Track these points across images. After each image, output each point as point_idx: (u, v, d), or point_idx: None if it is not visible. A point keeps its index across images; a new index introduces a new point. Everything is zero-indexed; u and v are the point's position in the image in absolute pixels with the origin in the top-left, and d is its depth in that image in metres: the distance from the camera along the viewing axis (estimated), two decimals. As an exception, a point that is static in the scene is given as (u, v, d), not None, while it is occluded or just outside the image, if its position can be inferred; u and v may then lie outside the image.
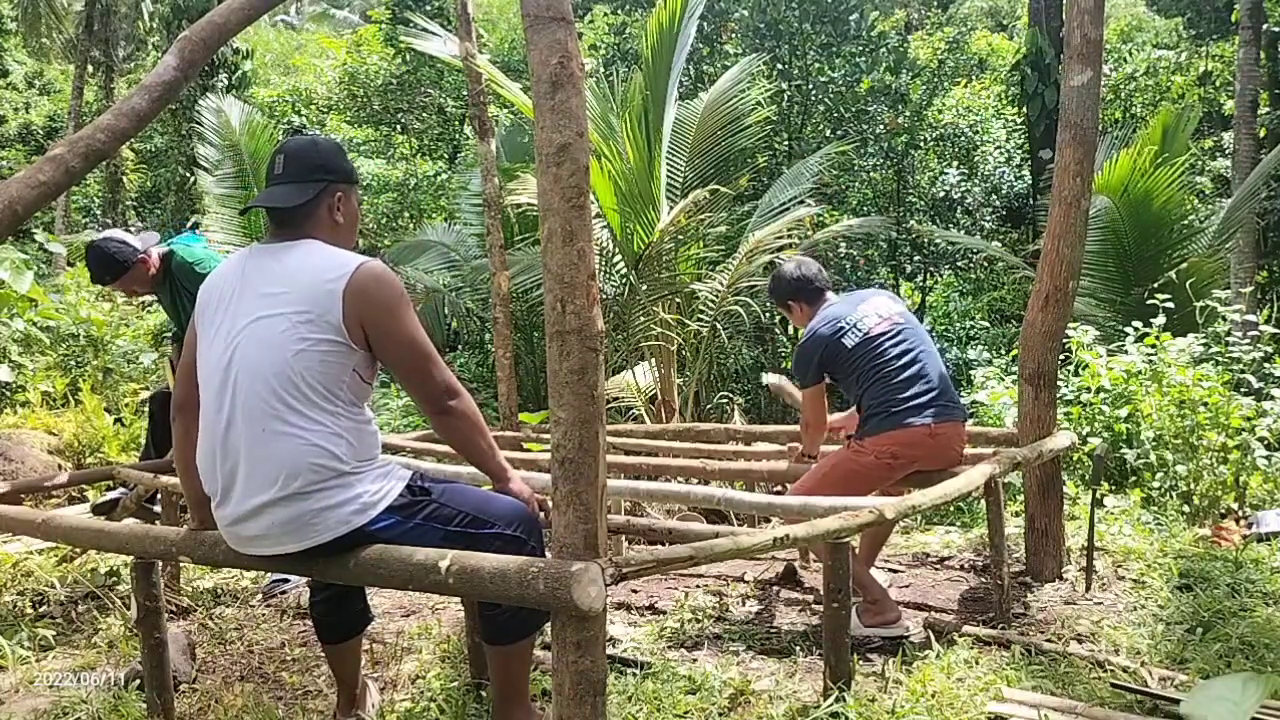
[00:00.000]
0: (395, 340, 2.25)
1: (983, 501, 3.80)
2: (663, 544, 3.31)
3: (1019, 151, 13.44)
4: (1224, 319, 5.90)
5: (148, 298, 5.50)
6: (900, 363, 3.45)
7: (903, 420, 3.38)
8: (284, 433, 2.18)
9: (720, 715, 2.69)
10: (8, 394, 7.00)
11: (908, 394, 3.40)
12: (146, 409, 4.83)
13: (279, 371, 2.19)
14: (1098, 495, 4.01)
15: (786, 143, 11.34)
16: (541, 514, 2.41)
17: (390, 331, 2.24)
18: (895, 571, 4.19)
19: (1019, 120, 13.42)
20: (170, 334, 4.37)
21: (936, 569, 4.21)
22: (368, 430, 2.31)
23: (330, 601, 2.63)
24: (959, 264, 13.08)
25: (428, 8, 13.22)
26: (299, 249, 2.30)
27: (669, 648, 3.27)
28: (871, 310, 3.56)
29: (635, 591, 3.97)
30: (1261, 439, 4.99)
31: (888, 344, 3.48)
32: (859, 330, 3.51)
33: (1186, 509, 4.84)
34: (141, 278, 3.97)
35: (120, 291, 4.02)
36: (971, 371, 8.08)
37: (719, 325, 7.20)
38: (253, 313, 2.24)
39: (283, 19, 28.58)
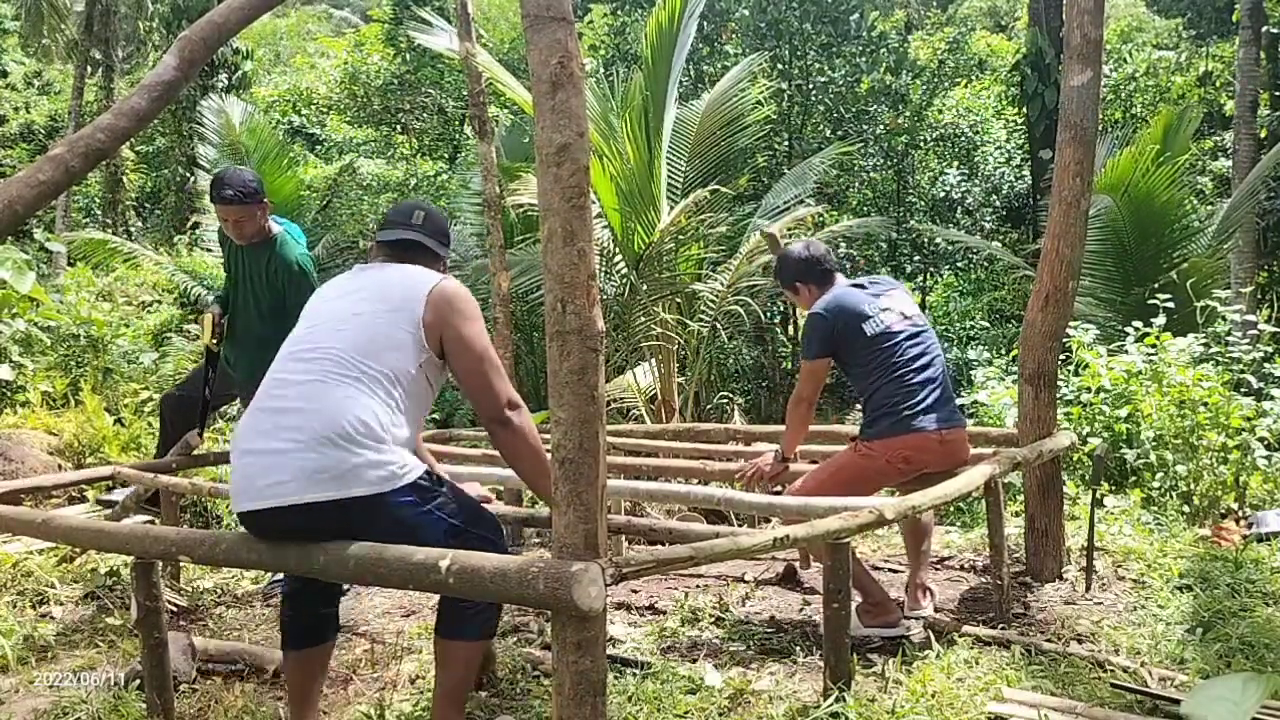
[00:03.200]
0: (466, 344, 2.46)
1: (983, 501, 3.80)
2: (663, 544, 3.31)
3: (1019, 151, 13.45)
4: (1224, 319, 5.90)
5: (145, 296, 5.50)
6: (916, 365, 3.37)
7: (914, 425, 3.30)
8: (346, 386, 2.35)
9: (720, 715, 2.69)
10: (8, 394, 7.00)
11: (919, 398, 3.32)
12: (158, 410, 4.84)
13: (360, 345, 2.41)
14: (1098, 495, 4.01)
15: (786, 143, 11.35)
16: None
17: (462, 336, 2.45)
18: (895, 571, 4.19)
19: (1019, 120, 13.43)
20: (218, 294, 4.42)
21: (936, 569, 4.21)
22: (407, 432, 2.43)
23: (301, 600, 2.58)
24: (959, 264, 13.08)
25: (428, 7, 13.22)
26: (401, 268, 2.59)
27: (669, 648, 3.27)
28: (895, 305, 3.46)
29: (635, 591, 3.97)
30: (1261, 439, 4.99)
31: (906, 344, 3.39)
32: (880, 322, 3.40)
33: (1186, 509, 4.84)
34: (258, 218, 4.01)
35: (230, 220, 3.96)
36: (971, 371, 8.07)
37: (719, 325, 7.21)
38: (355, 306, 2.49)
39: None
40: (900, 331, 3.41)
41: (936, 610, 3.51)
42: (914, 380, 3.35)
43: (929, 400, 3.34)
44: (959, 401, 4.06)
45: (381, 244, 2.66)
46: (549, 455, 2.07)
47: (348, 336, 2.42)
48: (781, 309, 11.38)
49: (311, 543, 2.35)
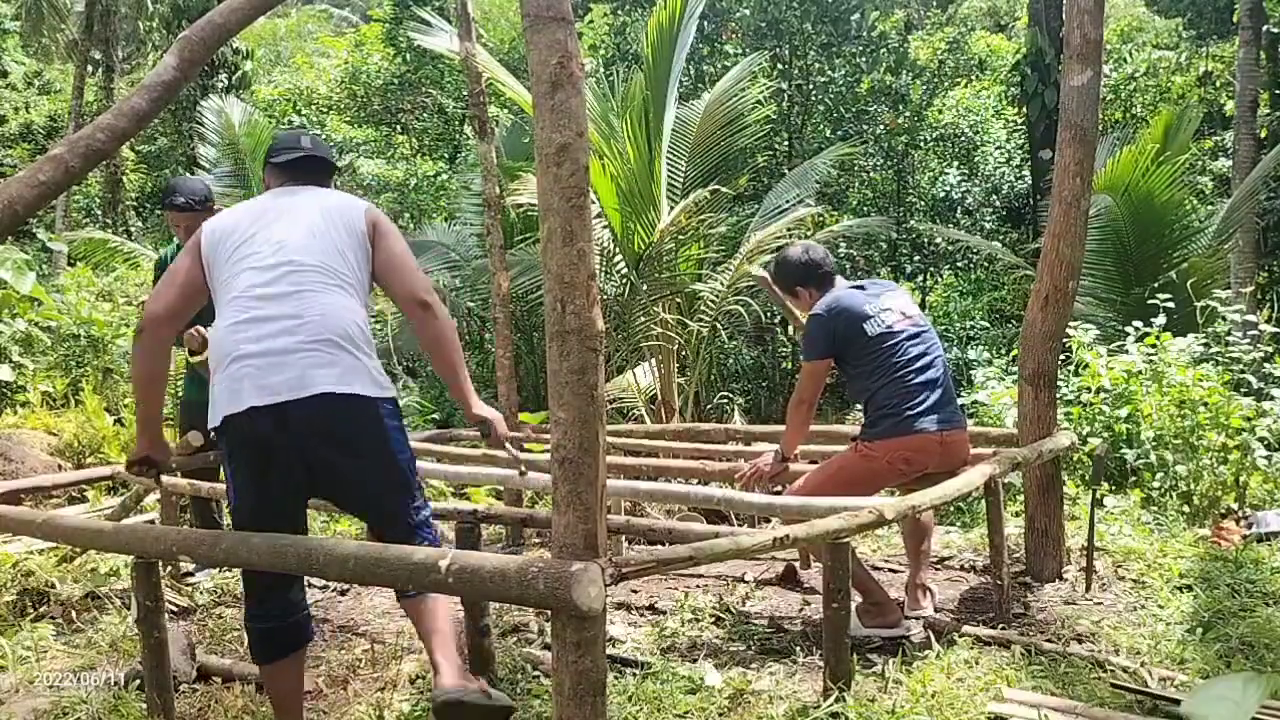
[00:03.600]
0: (397, 237, 2.67)
1: (983, 501, 3.80)
2: (663, 544, 3.31)
3: (1019, 151, 13.44)
4: (1224, 319, 5.89)
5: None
6: (917, 365, 3.36)
7: (915, 426, 3.30)
8: (336, 293, 2.51)
9: (720, 715, 2.69)
10: (8, 394, 7.00)
11: (920, 399, 3.32)
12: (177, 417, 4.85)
13: (333, 257, 2.55)
14: (1098, 495, 4.01)
15: (786, 143, 11.35)
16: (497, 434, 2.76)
17: (393, 232, 2.67)
18: (895, 572, 4.19)
19: (1019, 120, 13.41)
20: None
21: (936, 569, 4.21)
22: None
23: (269, 609, 2.53)
24: (959, 264, 13.08)
25: (428, 7, 13.22)
26: (320, 190, 2.74)
27: (669, 648, 3.27)
28: (895, 305, 3.45)
29: (635, 591, 3.97)
30: (1261, 439, 4.98)
31: (908, 344, 3.38)
32: (881, 322, 3.39)
33: (1186, 509, 4.84)
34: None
35: (181, 227, 4.05)
36: (971, 371, 8.07)
37: (719, 325, 7.21)
38: (307, 224, 2.59)
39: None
40: (901, 331, 3.40)
41: (936, 610, 3.51)
42: (915, 381, 3.34)
43: (930, 401, 3.33)
44: (959, 401, 4.05)
45: (285, 167, 2.75)
46: (549, 455, 2.07)
47: (318, 250, 2.54)
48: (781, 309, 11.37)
49: (304, 447, 2.43)
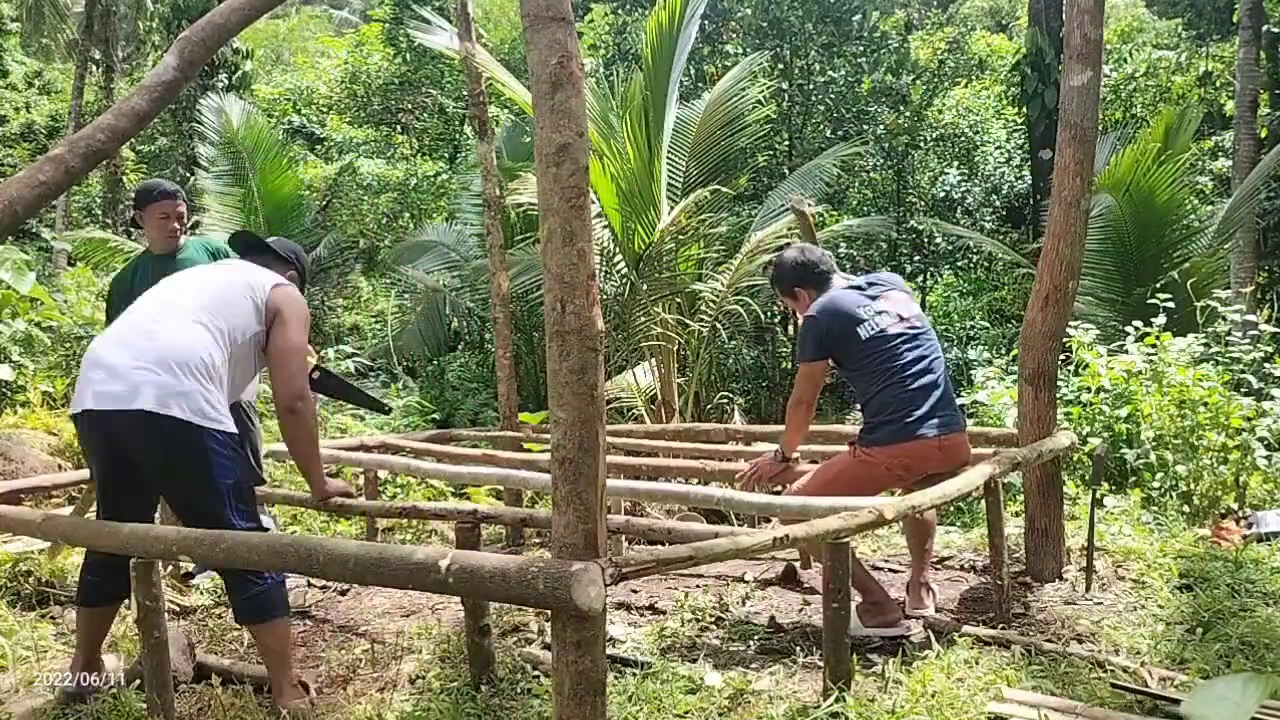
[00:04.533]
0: (290, 331, 2.93)
1: (983, 501, 3.79)
2: (663, 544, 3.31)
3: (1019, 151, 13.44)
4: (1224, 319, 5.89)
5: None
6: (913, 369, 3.35)
7: (915, 432, 3.29)
8: (193, 327, 2.79)
9: (720, 715, 2.69)
10: (8, 394, 7.00)
11: (918, 404, 3.31)
12: None
13: (209, 302, 2.88)
14: (1098, 495, 4.01)
15: (787, 142, 11.35)
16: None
17: (289, 322, 2.94)
18: (896, 572, 4.19)
19: (1019, 120, 13.42)
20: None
21: (936, 569, 4.21)
22: (228, 383, 2.87)
23: (107, 567, 2.91)
24: (959, 264, 13.08)
25: (428, 7, 13.22)
26: (258, 269, 3.09)
27: (669, 648, 3.27)
28: (892, 308, 3.43)
29: (635, 591, 3.96)
30: (1261, 439, 4.98)
31: (904, 347, 3.37)
32: (876, 325, 3.38)
33: (1186, 509, 4.84)
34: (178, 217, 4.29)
35: (172, 216, 4.18)
36: (971, 371, 8.07)
37: (719, 325, 7.21)
38: (213, 277, 3.03)
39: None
40: (897, 335, 3.39)
41: (937, 610, 3.51)
42: (913, 385, 3.33)
43: (928, 407, 3.32)
44: (959, 402, 4.05)
45: (242, 251, 3.29)
46: (549, 455, 2.07)
47: (205, 295, 2.90)
48: (782, 308, 11.38)
49: (124, 455, 2.77)
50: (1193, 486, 4.94)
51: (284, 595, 2.85)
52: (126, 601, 2.94)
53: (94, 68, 16.85)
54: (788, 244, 6.94)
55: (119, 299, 4.31)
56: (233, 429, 2.81)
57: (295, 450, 3.04)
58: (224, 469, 2.76)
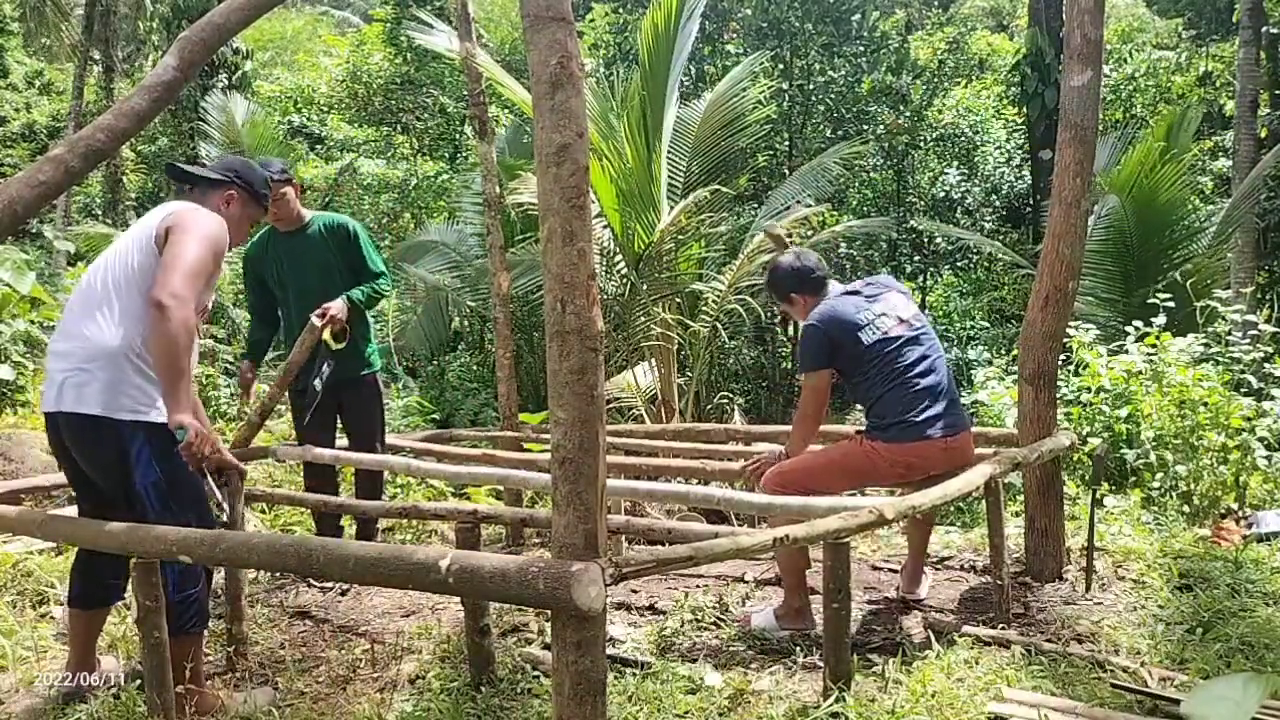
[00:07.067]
0: (182, 242, 2.71)
1: (983, 501, 3.80)
2: (663, 544, 3.31)
3: (1019, 151, 13.44)
4: (1224, 319, 5.90)
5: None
6: (916, 370, 3.35)
7: (922, 434, 3.30)
8: (99, 313, 2.77)
9: (720, 715, 2.69)
10: (8, 394, 7.00)
11: (924, 405, 3.32)
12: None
13: (115, 279, 2.80)
14: (1098, 495, 4.01)
15: (787, 142, 11.35)
16: (197, 451, 2.70)
17: (183, 233, 2.73)
18: (896, 572, 4.18)
19: (1019, 120, 13.42)
20: (241, 350, 4.79)
21: (936, 569, 4.21)
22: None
23: (92, 570, 2.96)
24: (959, 264, 13.08)
25: (429, 7, 13.22)
26: (171, 203, 2.96)
27: (669, 648, 3.27)
28: (891, 310, 3.44)
29: (635, 591, 3.96)
30: (1261, 439, 4.98)
31: (907, 349, 3.37)
32: (877, 329, 3.37)
33: (1186, 509, 4.84)
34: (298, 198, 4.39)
35: (285, 200, 4.24)
36: (971, 371, 8.08)
37: (720, 325, 7.21)
38: (117, 243, 2.94)
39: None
40: (899, 336, 3.39)
41: (937, 610, 3.51)
42: (918, 386, 3.34)
43: (934, 408, 3.34)
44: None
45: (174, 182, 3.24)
46: (549, 455, 2.07)
47: (112, 271, 2.81)
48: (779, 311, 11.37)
49: (69, 454, 2.82)
50: (1193, 486, 4.94)
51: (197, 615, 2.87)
52: (126, 601, 2.94)
53: (94, 68, 16.86)
54: (793, 241, 6.96)
55: (254, 281, 4.55)
56: (160, 419, 2.70)
57: (154, 355, 2.69)
58: (147, 465, 2.73)
